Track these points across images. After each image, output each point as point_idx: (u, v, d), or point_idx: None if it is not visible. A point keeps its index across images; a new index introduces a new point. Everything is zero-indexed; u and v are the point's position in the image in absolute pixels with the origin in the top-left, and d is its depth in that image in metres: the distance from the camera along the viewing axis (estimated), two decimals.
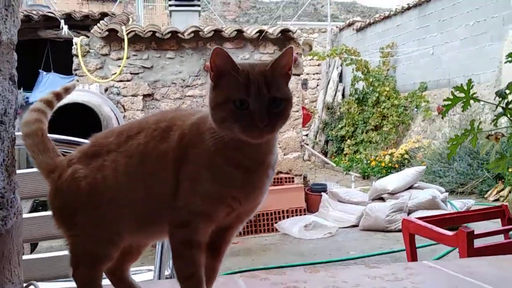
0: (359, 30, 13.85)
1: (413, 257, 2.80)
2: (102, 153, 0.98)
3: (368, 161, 10.74)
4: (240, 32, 7.11)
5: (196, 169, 0.90)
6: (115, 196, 0.94)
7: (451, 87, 9.70)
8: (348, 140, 12.56)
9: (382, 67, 12.18)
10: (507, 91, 0.86)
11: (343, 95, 13.82)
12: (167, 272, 1.79)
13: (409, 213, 6.02)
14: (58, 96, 1.13)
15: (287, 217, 6.54)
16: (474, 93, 0.89)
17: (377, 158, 10.51)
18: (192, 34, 6.89)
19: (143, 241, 1.05)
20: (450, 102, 0.91)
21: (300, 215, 6.61)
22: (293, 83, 7.34)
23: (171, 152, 0.93)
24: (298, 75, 7.56)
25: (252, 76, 0.85)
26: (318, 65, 14.54)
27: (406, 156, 9.79)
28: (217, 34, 7.02)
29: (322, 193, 7.09)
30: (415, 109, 11.15)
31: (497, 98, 0.94)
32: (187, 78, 7.07)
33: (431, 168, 8.28)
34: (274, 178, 7.10)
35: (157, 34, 6.80)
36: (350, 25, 14.47)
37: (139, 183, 0.94)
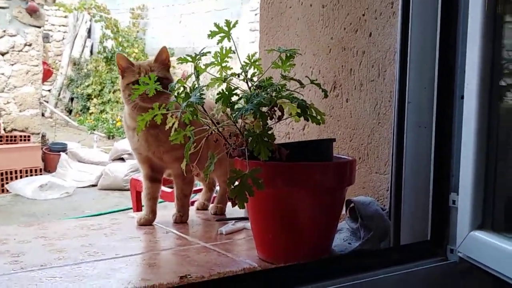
0: None
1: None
2: None
3: (114, 121, 10.78)
4: None
5: None
6: None
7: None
8: (95, 99, 12.31)
9: (132, 28, 12.22)
10: (177, 85, 1.16)
11: (91, 52, 13.38)
12: None
13: None
14: None
15: (21, 177, 6.20)
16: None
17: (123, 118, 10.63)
18: None
19: None
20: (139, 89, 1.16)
21: (36, 175, 6.34)
22: (34, 36, 6.85)
23: None
24: (39, 27, 7.08)
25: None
26: (65, 17, 13.68)
27: None
28: None
29: (61, 153, 6.92)
30: None
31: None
32: None
33: None
34: (6, 136, 6.54)
35: None
36: None
37: None
